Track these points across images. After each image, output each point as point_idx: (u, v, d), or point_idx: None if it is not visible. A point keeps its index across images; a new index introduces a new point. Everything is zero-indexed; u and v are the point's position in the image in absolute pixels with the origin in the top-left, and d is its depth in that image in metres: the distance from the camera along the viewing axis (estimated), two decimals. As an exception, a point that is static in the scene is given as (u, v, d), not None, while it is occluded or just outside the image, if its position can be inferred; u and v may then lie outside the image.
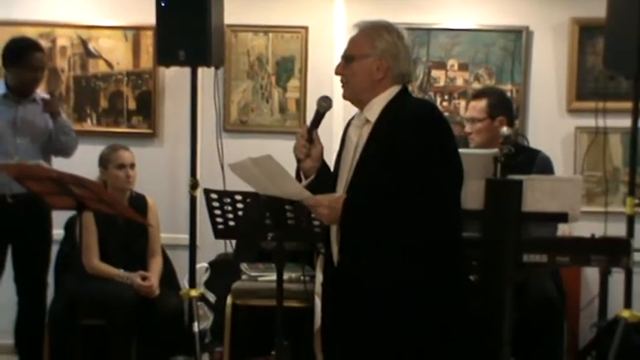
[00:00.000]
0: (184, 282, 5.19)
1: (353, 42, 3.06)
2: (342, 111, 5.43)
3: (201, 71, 5.19)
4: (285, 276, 3.86)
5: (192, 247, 5.13)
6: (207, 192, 3.66)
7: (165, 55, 5.05)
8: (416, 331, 2.95)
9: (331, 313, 3.13)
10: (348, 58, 3.02)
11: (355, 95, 3.04)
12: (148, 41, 5.53)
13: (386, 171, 2.89)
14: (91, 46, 5.59)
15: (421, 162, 2.88)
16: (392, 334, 2.94)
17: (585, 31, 5.29)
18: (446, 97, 5.37)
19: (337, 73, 3.07)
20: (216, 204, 3.66)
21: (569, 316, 4.87)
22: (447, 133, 3.00)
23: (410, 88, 3.18)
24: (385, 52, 3.00)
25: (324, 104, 3.05)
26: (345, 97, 3.07)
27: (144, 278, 4.72)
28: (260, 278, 4.82)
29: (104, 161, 4.85)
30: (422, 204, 2.89)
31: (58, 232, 5.00)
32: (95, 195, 3.92)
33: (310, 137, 3.02)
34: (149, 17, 5.23)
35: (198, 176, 5.16)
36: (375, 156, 2.94)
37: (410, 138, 2.89)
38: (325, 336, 3.19)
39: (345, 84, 3.05)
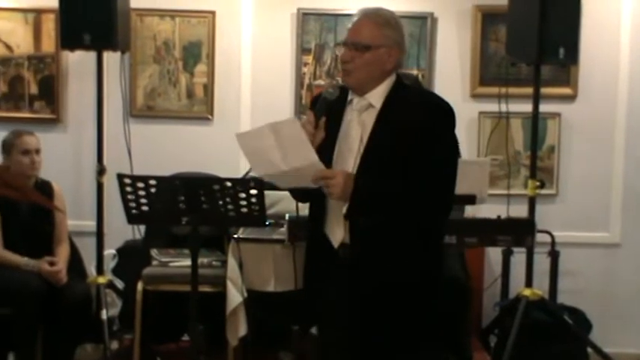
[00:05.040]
0: (91, 269, 5.12)
1: (366, 31, 3.01)
2: (249, 93, 5.50)
3: (105, 56, 5.11)
4: (197, 261, 3.85)
5: (100, 233, 5.06)
6: (120, 177, 3.60)
7: (69, 39, 4.95)
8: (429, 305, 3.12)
9: (339, 294, 3.09)
10: (362, 46, 2.99)
11: (363, 84, 3.04)
12: (49, 24, 5.41)
13: (399, 153, 2.93)
14: (-12, 28, 5.45)
15: (434, 145, 2.98)
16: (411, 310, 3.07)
17: (488, 17, 5.41)
18: (353, 82, 5.42)
19: (345, 60, 3.01)
20: (129, 189, 3.61)
21: (473, 296, 4.99)
22: (454, 120, 3.07)
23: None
24: (396, 43, 3.04)
25: (331, 90, 3.01)
26: (349, 83, 3.05)
27: (51, 264, 4.62)
28: (171, 264, 4.79)
29: (7, 147, 4.73)
30: (433, 186, 2.99)
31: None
32: (1, 180, 3.81)
33: (317, 124, 2.98)
34: (50, 0, 5.16)
35: (105, 162, 5.08)
36: (389, 139, 2.97)
37: (427, 122, 2.98)
38: (330, 318, 3.16)
39: (351, 72, 3.02)
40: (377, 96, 3.04)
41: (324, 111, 3.00)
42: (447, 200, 3.06)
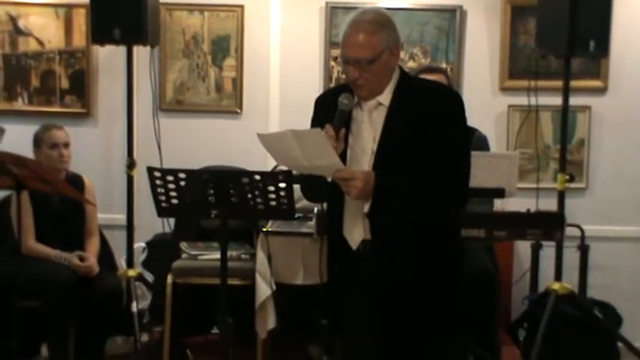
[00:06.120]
0: (122, 262, 5.16)
1: (364, 45, 2.95)
2: (278, 87, 5.52)
3: (135, 50, 5.14)
4: (226, 254, 3.87)
5: (130, 226, 5.10)
6: (150, 170, 3.61)
7: (99, 33, 4.98)
8: (450, 298, 3.12)
9: (360, 290, 3.10)
10: (367, 61, 2.95)
11: (377, 91, 3.03)
12: (80, 19, 5.46)
13: (413, 147, 2.94)
14: (20, 23, 5.49)
15: (447, 135, 2.97)
16: (433, 305, 3.07)
17: (517, 10, 5.38)
18: (382, 75, 5.42)
19: (354, 78, 2.99)
20: (159, 182, 3.62)
21: (502, 289, 4.98)
22: (464, 109, 3.05)
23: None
24: (394, 40, 3.02)
25: (346, 102, 3.01)
26: (363, 96, 3.03)
27: (82, 259, 4.66)
28: (200, 257, 4.81)
29: (37, 141, 4.78)
30: (451, 176, 2.99)
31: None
32: (35, 174, 3.86)
33: (338, 136, 2.98)
34: (80, -5, 5.24)
35: (135, 156, 5.12)
36: (401, 135, 2.96)
37: (437, 112, 2.98)
38: (353, 314, 3.17)
39: (363, 86, 3.00)
40: (385, 93, 3.03)
41: (343, 123, 3.00)
42: (463, 189, 3.05)
